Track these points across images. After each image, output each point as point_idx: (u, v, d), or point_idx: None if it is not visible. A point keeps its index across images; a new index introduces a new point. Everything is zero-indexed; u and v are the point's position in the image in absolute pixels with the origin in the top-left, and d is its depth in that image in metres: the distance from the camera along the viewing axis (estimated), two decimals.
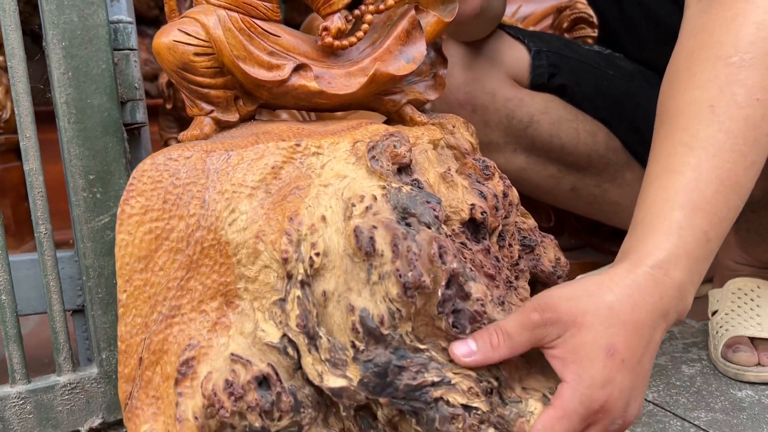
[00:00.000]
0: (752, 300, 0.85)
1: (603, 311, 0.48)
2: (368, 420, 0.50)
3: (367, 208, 0.48)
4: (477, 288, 0.49)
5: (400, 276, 0.46)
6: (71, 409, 0.71)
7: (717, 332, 0.84)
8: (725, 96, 0.54)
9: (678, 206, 0.52)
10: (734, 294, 0.86)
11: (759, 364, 0.78)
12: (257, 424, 0.46)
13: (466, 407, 0.47)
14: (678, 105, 0.56)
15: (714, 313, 0.87)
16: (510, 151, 0.99)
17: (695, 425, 0.69)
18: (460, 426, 0.47)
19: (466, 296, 0.48)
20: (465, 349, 0.48)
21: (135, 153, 0.77)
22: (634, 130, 1.01)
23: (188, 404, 0.48)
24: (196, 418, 0.47)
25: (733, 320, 0.84)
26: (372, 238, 0.47)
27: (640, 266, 0.50)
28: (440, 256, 0.46)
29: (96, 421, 0.72)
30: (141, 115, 0.74)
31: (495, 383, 0.49)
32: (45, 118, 0.76)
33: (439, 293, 0.47)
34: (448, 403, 0.47)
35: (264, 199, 0.50)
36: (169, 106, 1.54)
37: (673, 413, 0.72)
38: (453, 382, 0.48)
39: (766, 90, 0.55)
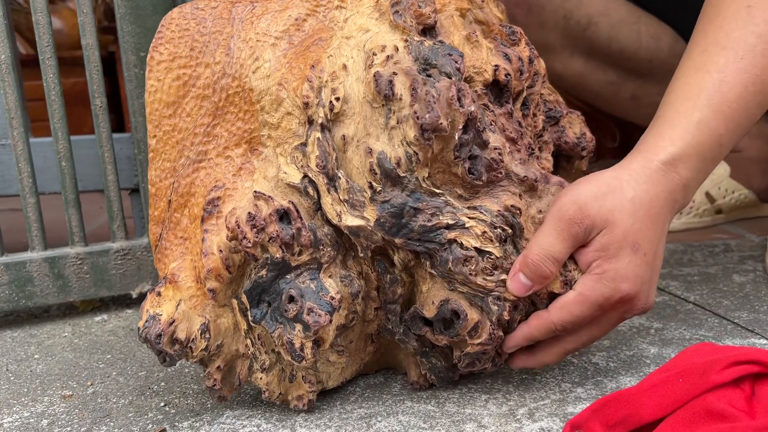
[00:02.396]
0: None
1: (627, 207, 0.50)
2: (385, 264, 0.51)
3: (388, 57, 0.49)
4: (495, 138, 0.49)
5: (418, 118, 0.46)
6: (124, 273, 0.76)
7: None
8: None
9: (699, 106, 0.52)
10: None
11: None
12: (278, 255, 0.48)
13: (479, 251, 0.48)
14: (720, 2, 0.55)
15: None
16: (567, 55, 0.95)
17: (734, 323, 0.67)
18: (473, 268, 0.48)
19: (484, 144, 0.49)
20: (519, 286, 0.49)
21: None
22: None
23: (213, 240, 0.50)
24: (220, 251, 0.49)
25: None
26: (391, 82, 0.47)
27: (653, 161, 0.51)
28: (458, 99, 0.47)
29: (146, 287, 0.77)
30: None
31: (509, 231, 0.50)
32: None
33: (456, 137, 0.47)
34: (461, 245, 0.48)
35: (287, 49, 0.51)
36: None
37: (713, 312, 0.70)
38: (467, 225, 0.49)
39: None
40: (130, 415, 0.55)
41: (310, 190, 0.50)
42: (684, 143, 0.52)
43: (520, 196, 0.51)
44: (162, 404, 0.57)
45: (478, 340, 0.51)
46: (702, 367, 0.43)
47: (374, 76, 0.48)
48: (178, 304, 0.51)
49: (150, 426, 0.53)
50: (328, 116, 0.49)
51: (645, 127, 1.22)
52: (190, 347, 0.50)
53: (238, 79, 0.52)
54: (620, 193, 0.50)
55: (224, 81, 0.52)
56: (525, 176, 0.51)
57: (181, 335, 0.50)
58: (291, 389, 0.54)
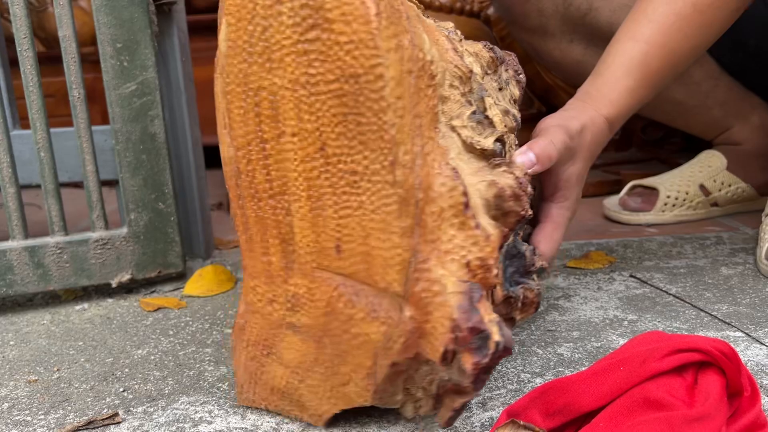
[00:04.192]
0: None
1: (588, 147, 0.62)
2: None
3: (462, 38, 0.55)
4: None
5: (519, 80, 0.58)
6: (103, 263, 0.77)
7: (766, 233, 0.77)
8: None
9: (631, 75, 0.64)
10: None
11: None
12: (529, 213, 0.49)
13: None
14: None
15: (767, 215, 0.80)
16: (566, 42, 0.93)
17: (712, 315, 0.65)
18: None
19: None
20: (527, 161, 0.55)
21: (167, 29, 0.81)
22: None
23: (483, 222, 0.45)
24: (500, 228, 0.47)
25: None
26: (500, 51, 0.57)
27: (600, 114, 0.63)
28: (520, 66, 0.61)
29: (125, 277, 0.78)
30: None
31: None
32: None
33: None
34: None
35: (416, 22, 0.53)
36: None
37: (692, 304, 0.67)
38: None
39: None
40: (89, 399, 0.56)
41: (503, 153, 0.50)
42: (620, 106, 0.64)
43: None
44: (121, 390, 0.57)
45: None
46: (643, 355, 0.42)
47: (486, 46, 0.55)
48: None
49: (105, 410, 0.54)
50: (482, 81, 0.53)
51: (645, 118, 1.19)
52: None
53: (421, 51, 0.45)
54: (586, 134, 0.61)
55: (414, 53, 0.45)
56: None
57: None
58: None
